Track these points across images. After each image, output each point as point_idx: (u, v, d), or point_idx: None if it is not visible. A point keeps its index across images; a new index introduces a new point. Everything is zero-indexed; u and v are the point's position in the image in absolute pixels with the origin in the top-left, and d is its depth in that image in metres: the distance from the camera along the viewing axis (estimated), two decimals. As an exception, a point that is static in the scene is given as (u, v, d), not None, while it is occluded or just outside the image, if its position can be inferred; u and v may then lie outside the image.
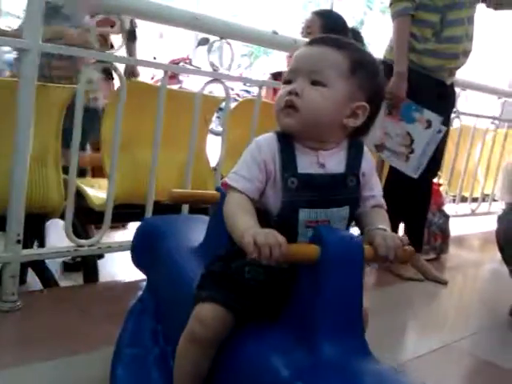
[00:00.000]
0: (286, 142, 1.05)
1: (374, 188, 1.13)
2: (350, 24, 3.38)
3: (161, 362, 1.35)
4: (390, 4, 2.66)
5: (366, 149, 1.12)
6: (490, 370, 2.02)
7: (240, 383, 1.01)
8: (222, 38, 2.20)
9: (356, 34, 3.81)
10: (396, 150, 2.71)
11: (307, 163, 1.04)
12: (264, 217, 1.02)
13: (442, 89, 2.74)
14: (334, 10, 10.27)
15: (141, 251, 1.61)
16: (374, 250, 0.98)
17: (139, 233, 1.63)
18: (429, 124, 2.66)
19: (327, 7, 10.41)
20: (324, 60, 1.04)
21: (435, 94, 2.70)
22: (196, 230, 1.47)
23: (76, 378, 1.55)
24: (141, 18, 2.32)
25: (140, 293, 1.57)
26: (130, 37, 3.24)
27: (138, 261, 1.65)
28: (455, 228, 3.93)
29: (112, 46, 3.24)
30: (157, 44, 11.72)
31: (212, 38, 2.28)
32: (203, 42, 5.14)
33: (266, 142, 1.06)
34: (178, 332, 1.33)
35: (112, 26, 3.01)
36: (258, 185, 1.04)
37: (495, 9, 2.97)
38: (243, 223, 0.97)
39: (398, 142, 2.70)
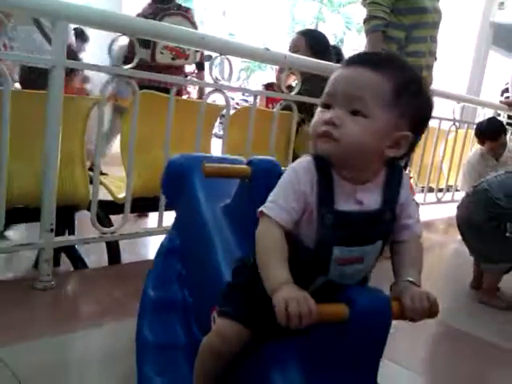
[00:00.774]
0: (325, 172, 0.87)
1: (412, 216, 0.95)
2: (332, 42, 3.38)
3: (183, 311, 1.27)
4: (364, 21, 2.63)
5: (404, 176, 0.94)
6: (453, 334, 2.03)
7: None
8: (221, 54, 2.20)
9: (337, 51, 3.81)
10: None
11: (345, 199, 0.87)
12: (295, 248, 0.88)
13: None
14: (318, 29, 10.24)
15: (170, 187, 1.43)
16: (401, 311, 0.85)
17: (169, 168, 1.42)
18: None
19: (312, 27, 10.37)
20: (364, 85, 0.84)
21: None
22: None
23: (106, 347, 1.55)
24: (157, 38, 2.31)
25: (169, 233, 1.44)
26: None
27: (168, 196, 1.51)
28: (424, 214, 3.95)
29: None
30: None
31: (214, 54, 2.28)
32: (207, 58, 5.18)
33: (304, 170, 0.88)
34: (197, 282, 1.25)
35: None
36: (295, 216, 0.87)
37: None
38: (275, 272, 0.83)
39: None
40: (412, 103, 0.86)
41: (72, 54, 2.38)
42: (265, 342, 0.93)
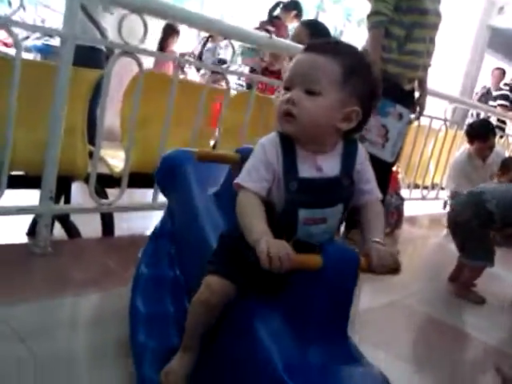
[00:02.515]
0: (288, 145, 1.01)
1: (369, 181, 1.08)
2: (332, 34, 3.44)
3: (174, 287, 1.35)
4: (368, 16, 2.68)
5: (359, 146, 1.07)
6: (429, 322, 2.15)
7: (237, 349, 1.02)
8: (225, 38, 2.26)
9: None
10: (373, 140, 2.78)
11: (306, 168, 1.00)
12: (268, 210, 0.99)
13: (400, 93, 2.77)
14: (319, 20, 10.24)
15: (163, 177, 1.55)
16: (368, 264, 0.96)
17: (164, 161, 1.54)
18: (400, 116, 2.73)
19: (312, 16, 10.38)
20: (318, 69, 0.98)
21: (395, 96, 2.76)
22: (214, 170, 1.38)
23: (99, 311, 1.64)
24: (167, 18, 2.34)
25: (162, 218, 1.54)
26: None
27: (161, 185, 1.61)
28: (409, 209, 4.06)
29: None
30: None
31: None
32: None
33: (270, 144, 1.01)
34: (189, 261, 1.32)
35: None
36: (266, 184, 1.00)
37: None
38: (256, 228, 0.94)
39: (376, 133, 2.76)
40: (359, 83, 1.00)
41: None
42: (249, 298, 1.03)
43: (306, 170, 1.00)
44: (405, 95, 2.82)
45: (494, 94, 6.71)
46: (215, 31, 2.41)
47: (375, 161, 2.78)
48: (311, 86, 0.97)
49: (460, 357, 1.95)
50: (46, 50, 4.94)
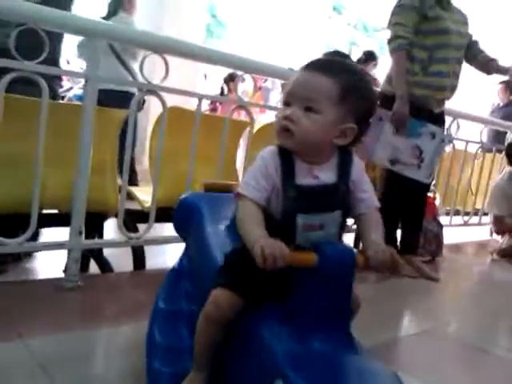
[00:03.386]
0: (286, 156, 1.05)
1: (366, 190, 1.11)
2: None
3: (189, 320, 1.35)
4: (389, 42, 2.70)
5: (355, 159, 1.11)
6: (467, 351, 2.04)
7: (244, 358, 1.05)
8: (245, 73, 2.31)
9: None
10: (407, 161, 2.74)
11: (304, 176, 1.05)
12: (268, 219, 1.03)
13: (429, 116, 2.76)
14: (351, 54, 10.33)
15: (180, 221, 1.60)
16: (366, 261, 0.99)
17: (180, 205, 1.61)
18: (433, 135, 2.70)
19: (345, 52, 10.48)
20: (316, 87, 1.02)
21: (425, 118, 2.73)
22: (227, 208, 1.43)
23: (124, 343, 1.65)
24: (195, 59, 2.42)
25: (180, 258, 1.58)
26: None
27: (178, 228, 1.65)
28: (452, 237, 3.94)
29: None
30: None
31: (239, 72, 2.40)
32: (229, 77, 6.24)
33: (270, 156, 1.06)
34: (202, 295, 1.31)
35: None
36: (265, 193, 1.04)
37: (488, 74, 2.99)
38: (254, 233, 0.98)
39: (409, 154, 2.73)
40: (356, 102, 1.03)
41: None
42: (255, 309, 1.05)
43: (303, 178, 1.04)
44: (434, 117, 2.79)
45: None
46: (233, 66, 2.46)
47: (410, 183, 2.79)
48: (309, 104, 1.02)
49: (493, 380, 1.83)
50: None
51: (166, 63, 2.10)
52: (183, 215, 1.57)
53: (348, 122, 1.03)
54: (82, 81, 2.15)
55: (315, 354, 0.92)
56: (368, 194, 1.11)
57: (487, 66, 2.91)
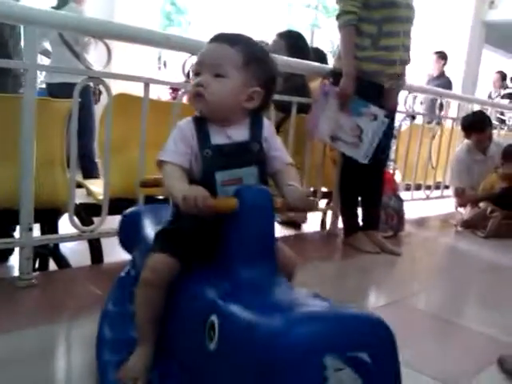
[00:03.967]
0: (201, 123, 1.15)
1: (278, 149, 1.21)
2: (328, 48, 3.45)
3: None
4: (337, 17, 2.70)
5: (265, 120, 1.21)
6: (434, 322, 2.06)
7: (184, 313, 1.10)
8: (192, 55, 2.25)
9: (322, 55, 3.88)
10: (348, 140, 2.75)
11: (218, 137, 1.14)
12: (190, 181, 1.11)
13: (381, 91, 2.76)
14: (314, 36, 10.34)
15: (125, 235, 1.66)
16: (285, 203, 1.09)
17: (124, 220, 1.68)
18: (374, 117, 2.69)
19: (308, 34, 10.48)
20: (223, 56, 1.13)
21: (375, 95, 2.73)
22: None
23: (79, 336, 1.64)
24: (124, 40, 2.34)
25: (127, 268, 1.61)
26: None
27: (123, 242, 1.69)
28: (415, 211, 3.99)
29: None
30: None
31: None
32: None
33: (185, 125, 1.16)
34: None
35: None
36: (186, 156, 1.13)
37: None
38: (178, 186, 1.07)
39: (349, 133, 2.74)
40: (257, 68, 1.15)
41: None
42: (188, 270, 1.13)
43: (217, 139, 1.14)
44: (385, 93, 2.79)
45: (503, 92, 6.84)
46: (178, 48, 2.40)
47: (350, 161, 2.80)
48: (218, 71, 1.12)
49: (463, 352, 1.86)
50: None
51: (108, 48, 2.04)
52: (127, 228, 1.63)
53: (253, 86, 1.14)
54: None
55: (244, 285, 0.99)
56: (280, 153, 1.21)
57: None
